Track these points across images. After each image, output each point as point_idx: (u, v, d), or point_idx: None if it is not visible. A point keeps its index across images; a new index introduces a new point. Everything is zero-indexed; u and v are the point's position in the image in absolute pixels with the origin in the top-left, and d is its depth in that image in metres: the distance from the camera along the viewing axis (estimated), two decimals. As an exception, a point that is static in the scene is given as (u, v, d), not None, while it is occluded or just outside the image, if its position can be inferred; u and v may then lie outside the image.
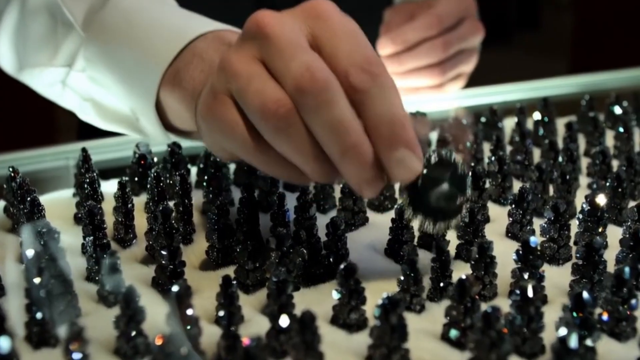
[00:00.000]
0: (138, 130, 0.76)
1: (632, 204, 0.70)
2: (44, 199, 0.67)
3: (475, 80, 1.21)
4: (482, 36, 1.05)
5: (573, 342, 0.43)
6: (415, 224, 0.59)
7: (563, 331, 0.45)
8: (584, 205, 0.64)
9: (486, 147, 0.82)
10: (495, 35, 7.23)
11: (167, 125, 0.73)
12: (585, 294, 0.48)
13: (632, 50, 4.31)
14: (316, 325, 0.47)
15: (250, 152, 0.57)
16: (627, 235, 0.60)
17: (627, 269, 0.52)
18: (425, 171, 0.56)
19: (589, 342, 0.46)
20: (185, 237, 0.65)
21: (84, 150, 0.70)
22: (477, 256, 0.57)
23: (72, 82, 0.79)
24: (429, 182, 0.57)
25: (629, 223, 0.64)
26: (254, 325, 0.54)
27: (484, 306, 0.49)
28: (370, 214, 0.70)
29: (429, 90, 1.04)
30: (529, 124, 0.88)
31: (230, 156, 0.61)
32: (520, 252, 0.56)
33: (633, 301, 0.52)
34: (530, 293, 0.49)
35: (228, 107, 0.57)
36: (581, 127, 0.88)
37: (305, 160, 0.55)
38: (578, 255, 0.57)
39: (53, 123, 0.99)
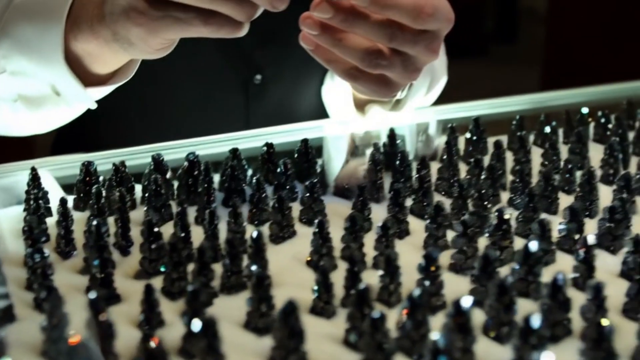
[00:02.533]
0: (64, 103, 0.88)
1: (551, 219, 0.76)
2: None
3: (450, 92, 1.25)
4: (433, 60, 0.97)
5: (441, 343, 0.49)
6: None
7: (435, 335, 0.50)
8: (493, 220, 0.70)
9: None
10: (472, 48, 7.32)
11: (91, 82, 0.85)
12: (464, 301, 0.53)
13: (604, 64, 4.36)
14: (217, 329, 0.52)
15: None
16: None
17: (509, 278, 0.57)
18: None
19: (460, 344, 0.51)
20: (124, 249, 0.70)
21: (32, 169, 0.75)
22: (384, 265, 0.62)
23: (1, 91, 0.86)
24: None
25: (531, 237, 0.69)
26: (174, 329, 0.59)
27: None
28: (298, 227, 0.75)
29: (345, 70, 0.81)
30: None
31: (160, 30, 0.71)
32: (423, 263, 0.62)
33: (514, 307, 0.57)
34: (420, 300, 0.55)
35: None
36: (510, 146, 0.93)
37: None
38: (474, 266, 0.63)
39: (29, 139, 1.07)
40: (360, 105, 1.07)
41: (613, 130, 0.99)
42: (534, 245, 0.62)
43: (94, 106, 0.89)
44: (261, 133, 1.00)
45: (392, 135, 0.89)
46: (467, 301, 0.53)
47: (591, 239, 0.64)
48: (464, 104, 1.23)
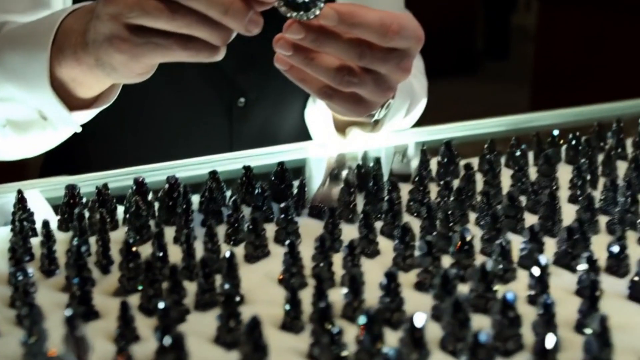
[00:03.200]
0: (51, 127, 0.93)
1: (513, 237, 0.79)
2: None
3: (440, 110, 1.29)
4: (405, 79, 0.88)
5: (392, 357, 0.52)
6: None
7: (387, 349, 0.53)
8: (455, 240, 0.73)
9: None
10: (462, 66, 7.35)
11: (76, 106, 0.90)
12: (417, 317, 0.56)
13: (593, 82, 4.41)
14: (185, 344, 0.55)
15: (164, 17, 0.72)
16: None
17: (462, 295, 0.60)
18: None
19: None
20: (104, 268, 0.74)
21: (19, 191, 0.79)
22: (349, 283, 0.66)
23: None
24: None
25: (494, 257, 0.73)
26: (149, 344, 0.62)
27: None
28: (272, 247, 0.79)
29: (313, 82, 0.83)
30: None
31: (142, 55, 0.76)
32: (384, 282, 0.65)
33: (469, 323, 0.60)
34: (376, 316, 0.58)
35: None
36: (480, 168, 0.97)
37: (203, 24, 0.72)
38: (435, 283, 0.66)
39: (20, 161, 1.12)
40: (341, 128, 1.11)
41: (583, 152, 1.03)
42: (489, 264, 0.65)
43: (79, 129, 0.93)
44: (242, 155, 1.03)
45: (365, 157, 0.92)
46: (420, 317, 0.56)
47: (543, 259, 0.68)
48: (443, 126, 1.27)
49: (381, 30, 0.76)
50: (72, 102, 0.90)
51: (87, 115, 0.93)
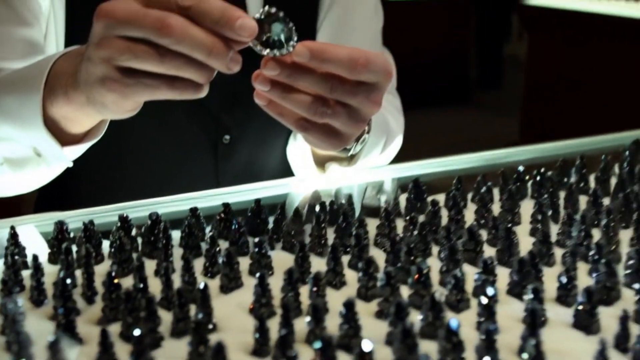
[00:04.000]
0: (44, 163, 1.00)
1: (470, 270, 0.85)
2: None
3: (433, 139, 1.35)
4: (376, 112, 0.91)
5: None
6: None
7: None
8: (414, 272, 0.79)
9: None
10: (456, 95, 7.45)
11: (67, 142, 0.97)
12: (364, 344, 0.62)
13: (583, 114, 4.48)
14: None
15: (153, 60, 0.78)
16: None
17: (408, 322, 0.66)
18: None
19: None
20: (89, 298, 0.80)
21: (12, 227, 0.85)
22: (312, 312, 0.72)
23: None
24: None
25: (448, 287, 0.79)
26: (126, 369, 0.68)
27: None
28: (246, 278, 0.85)
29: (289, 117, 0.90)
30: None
31: (133, 94, 0.82)
32: (343, 310, 0.71)
33: (416, 348, 0.66)
34: (329, 341, 0.64)
35: (117, 40, 0.78)
36: (446, 204, 1.03)
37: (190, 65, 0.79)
38: (389, 311, 0.72)
39: (15, 198, 1.18)
40: (320, 163, 1.17)
41: (546, 187, 1.09)
42: (437, 294, 0.71)
43: (70, 164, 1.00)
44: (225, 192, 1.10)
45: (337, 194, 0.99)
46: (367, 343, 0.62)
47: (490, 290, 0.74)
48: (421, 162, 1.33)
49: (350, 65, 0.83)
50: (63, 138, 0.97)
51: (78, 150, 1.00)
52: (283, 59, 0.82)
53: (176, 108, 1.18)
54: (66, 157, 0.99)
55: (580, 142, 1.47)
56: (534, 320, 0.69)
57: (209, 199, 1.06)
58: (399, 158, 1.37)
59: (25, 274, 0.82)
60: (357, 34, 1.34)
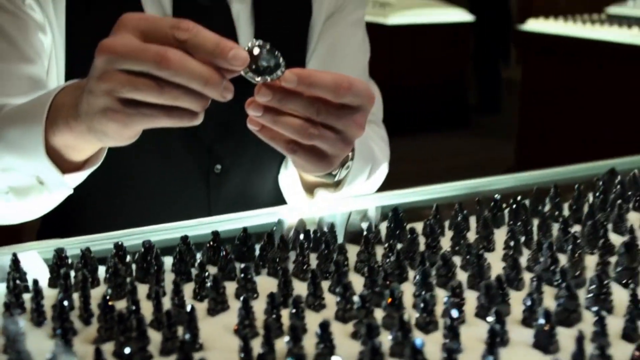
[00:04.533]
0: (47, 191, 1.07)
1: (441, 293, 0.91)
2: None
3: (431, 164, 1.41)
4: (360, 134, 0.98)
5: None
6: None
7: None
8: (387, 295, 0.85)
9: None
10: (455, 120, 7.56)
11: (68, 170, 1.04)
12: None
13: (577, 139, 4.54)
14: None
15: (153, 92, 0.84)
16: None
17: (377, 342, 0.72)
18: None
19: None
20: (86, 319, 0.86)
21: (14, 254, 0.91)
22: (290, 333, 0.78)
23: None
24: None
25: (418, 310, 0.85)
26: (118, 384, 0.74)
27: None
28: (232, 302, 0.91)
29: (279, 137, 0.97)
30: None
31: (133, 124, 0.89)
32: (319, 331, 0.77)
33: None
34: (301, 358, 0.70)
35: (119, 73, 0.85)
36: (424, 232, 1.09)
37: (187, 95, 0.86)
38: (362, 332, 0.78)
39: (17, 226, 1.26)
40: (309, 189, 1.24)
41: (520, 215, 1.15)
42: (406, 317, 0.77)
43: (71, 191, 1.07)
44: (215, 220, 1.16)
45: (320, 223, 1.05)
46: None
47: (455, 312, 0.80)
48: (406, 191, 1.39)
49: (334, 88, 0.91)
50: (65, 166, 1.04)
51: (79, 177, 1.06)
52: (273, 84, 0.89)
53: (170, 139, 1.25)
54: (67, 184, 1.06)
55: (566, 170, 1.52)
56: (493, 340, 0.75)
57: (200, 227, 1.12)
58: (398, 182, 1.43)
59: (27, 297, 0.88)
60: (344, 67, 1.41)
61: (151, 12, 1.27)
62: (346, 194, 1.25)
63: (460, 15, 6.87)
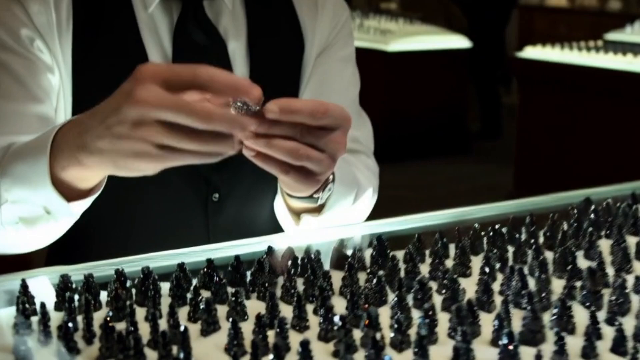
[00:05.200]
0: (53, 219, 1.15)
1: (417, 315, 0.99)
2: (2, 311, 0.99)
3: (433, 190, 1.48)
4: (342, 153, 1.09)
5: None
6: None
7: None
8: (364, 317, 0.93)
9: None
10: (456, 146, 7.65)
11: (73, 198, 1.12)
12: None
13: (573, 166, 4.62)
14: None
15: (187, 139, 0.95)
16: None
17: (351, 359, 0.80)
18: None
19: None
20: (88, 339, 0.94)
21: (23, 280, 0.99)
22: (274, 351, 0.85)
23: (5, 217, 1.14)
24: None
25: (394, 329, 0.93)
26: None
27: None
28: (223, 323, 0.98)
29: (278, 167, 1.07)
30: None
31: (166, 163, 1.00)
32: (300, 349, 0.85)
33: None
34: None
35: (156, 123, 0.94)
36: (404, 259, 1.17)
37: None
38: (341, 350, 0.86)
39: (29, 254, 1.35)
40: (296, 215, 1.33)
41: (497, 243, 1.23)
42: (378, 335, 0.85)
43: (77, 218, 1.15)
44: (211, 248, 1.24)
45: (308, 250, 1.13)
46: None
47: (424, 330, 0.87)
48: (397, 219, 1.47)
49: (312, 114, 1.01)
50: (70, 195, 1.12)
51: (84, 204, 1.15)
52: (262, 115, 0.99)
53: (170, 170, 1.33)
54: (73, 212, 1.14)
55: (545, 199, 1.60)
56: (457, 358, 0.82)
57: (196, 254, 1.20)
58: (399, 207, 1.50)
59: (35, 319, 0.96)
60: (334, 100, 1.48)
61: (153, 51, 1.35)
62: (333, 218, 1.33)
63: (459, 42, 6.98)
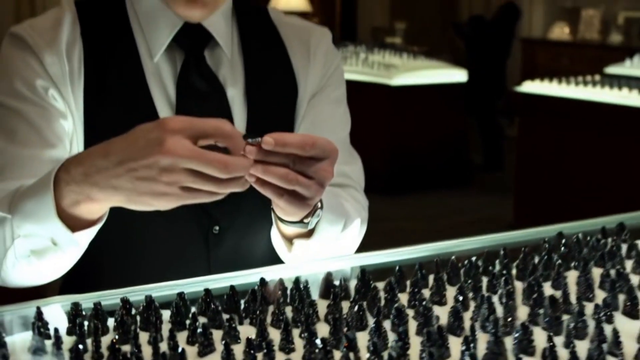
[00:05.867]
0: (61, 251, 1.26)
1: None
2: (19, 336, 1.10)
3: (435, 221, 1.58)
4: (330, 179, 1.23)
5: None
6: None
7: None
8: (344, 340, 1.04)
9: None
10: (459, 177, 7.76)
11: (79, 228, 1.23)
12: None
13: (571, 197, 4.71)
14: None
15: (211, 184, 1.13)
16: None
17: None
18: None
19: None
20: (98, 360, 1.05)
21: (38, 307, 1.11)
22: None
23: (18, 251, 1.26)
24: None
25: (370, 351, 1.03)
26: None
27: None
28: (218, 346, 1.09)
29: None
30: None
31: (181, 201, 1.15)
32: (284, 368, 0.96)
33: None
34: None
35: (184, 171, 1.10)
36: (385, 289, 1.28)
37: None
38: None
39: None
40: (288, 241, 1.44)
41: (472, 275, 1.33)
42: (352, 356, 0.96)
43: (82, 250, 1.28)
44: (210, 279, 1.34)
45: (297, 281, 1.24)
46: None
47: (394, 353, 0.98)
48: (385, 251, 1.57)
49: (301, 146, 1.16)
50: (75, 226, 1.24)
51: (89, 234, 1.26)
52: (259, 145, 1.15)
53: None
54: (78, 242, 1.25)
55: (519, 234, 1.70)
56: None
57: (196, 285, 1.31)
58: (403, 238, 1.60)
59: (49, 342, 1.07)
60: None
61: (159, 98, 1.47)
62: (324, 245, 1.44)
63: (461, 76, 7.13)
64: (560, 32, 9.62)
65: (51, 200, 1.20)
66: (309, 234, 1.42)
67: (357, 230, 1.58)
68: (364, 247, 1.63)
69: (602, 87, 4.88)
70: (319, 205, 1.37)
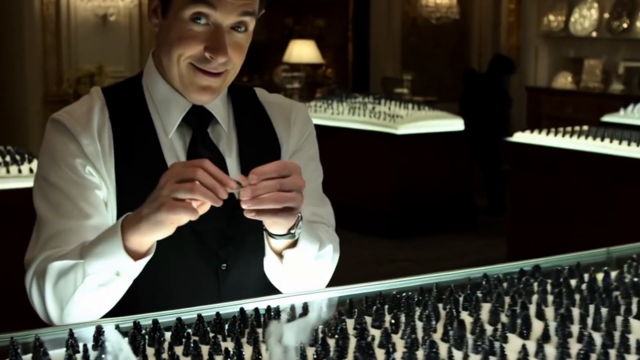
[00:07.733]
0: (122, 280, 1.67)
1: None
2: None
3: (439, 263, 1.88)
4: (304, 187, 1.60)
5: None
6: None
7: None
8: None
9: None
10: (463, 222, 8.07)
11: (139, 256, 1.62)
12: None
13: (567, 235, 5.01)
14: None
15: (204, 195, 1.52)
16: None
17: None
18: None
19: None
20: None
21: (70, 329, 1.48)
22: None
23: (87, 286, 1.67)
24: None
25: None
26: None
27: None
28: (204, 356, 1.46)
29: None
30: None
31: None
32: (249, 370, 1.33)
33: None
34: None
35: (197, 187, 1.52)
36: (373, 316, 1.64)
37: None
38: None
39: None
40: (279, 255, 1.79)
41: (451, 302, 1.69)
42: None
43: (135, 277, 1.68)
44: (204, 308, 1.70)
45: (292, 309, 1.60)
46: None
47: None
48: (374, 283, 1.87)
49: (277, 170, 1.57)
50: (134, 258, 1.64)
51: (144, 262, 1.66)
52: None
53: (187, 248, 1.82)
54: (138, 268, 1.65)
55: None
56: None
57: (195, 312, 1.67)
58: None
59: (79, 355, 1.44)
60: None
61: None
62: (304, 266, 1.79)
63: (461, 125, 7.58)
64: (564, 81, 9.98)
65: (119, 240, 1.60)
66: (294, 243, 1.76)
67: (331, 255, 1.90)
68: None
69: (586, 138, 5.21)
70: (300, 217, 1.72)
